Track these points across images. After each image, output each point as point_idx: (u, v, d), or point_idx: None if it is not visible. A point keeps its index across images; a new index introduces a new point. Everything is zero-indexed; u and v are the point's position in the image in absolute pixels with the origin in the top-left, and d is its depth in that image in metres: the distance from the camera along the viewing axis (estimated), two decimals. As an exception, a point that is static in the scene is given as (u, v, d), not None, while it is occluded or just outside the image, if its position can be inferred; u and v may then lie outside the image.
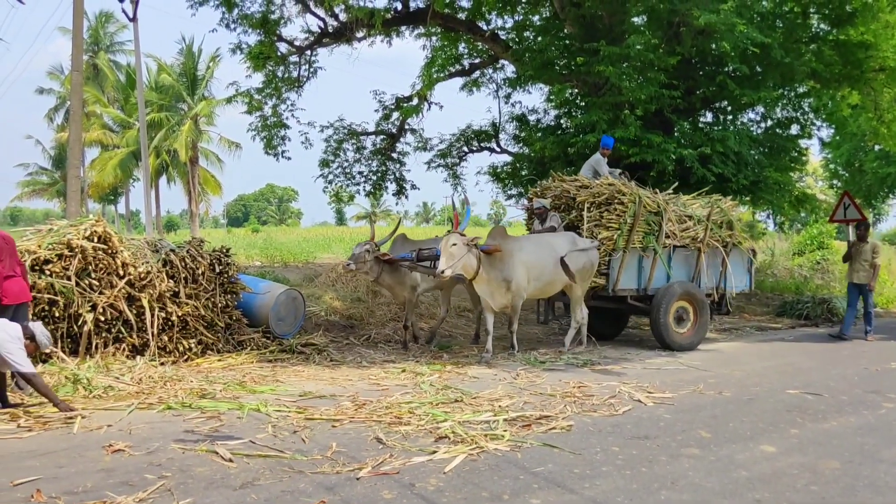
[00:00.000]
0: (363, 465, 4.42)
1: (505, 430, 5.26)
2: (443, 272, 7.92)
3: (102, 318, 7.52)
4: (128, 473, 4.28)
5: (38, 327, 5.87)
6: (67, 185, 14.60)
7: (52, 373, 6.73)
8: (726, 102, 14.90)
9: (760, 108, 15.53)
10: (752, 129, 15.57)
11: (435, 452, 4.72)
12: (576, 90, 14.84)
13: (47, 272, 7.31)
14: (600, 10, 13.73)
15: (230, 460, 4.53)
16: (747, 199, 15.19)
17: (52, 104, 41.91)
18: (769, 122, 15.97)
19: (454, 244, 8.06)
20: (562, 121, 15.92)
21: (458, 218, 8.74)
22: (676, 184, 11.57)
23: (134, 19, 21.41)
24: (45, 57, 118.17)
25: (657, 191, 10.11)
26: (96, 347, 7.47)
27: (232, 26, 15.83)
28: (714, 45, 13.11)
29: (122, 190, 41.69)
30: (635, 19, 14.39)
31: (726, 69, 13.66)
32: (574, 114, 14.89)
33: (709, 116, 15.64)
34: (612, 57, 12.43)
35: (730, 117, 15.43)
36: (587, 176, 10.40)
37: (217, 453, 4.65)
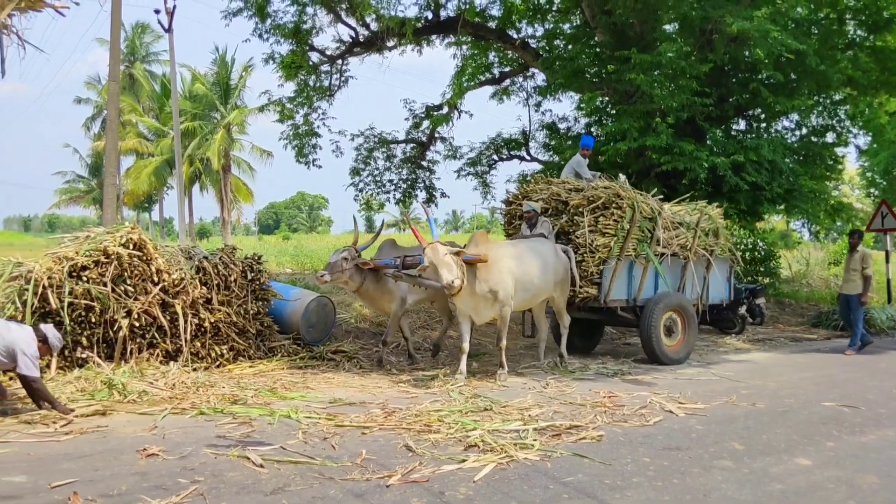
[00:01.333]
0: (393, 473, 4.43)
1: (535, 440, 5.23)
2: (452, 283, 7.27)
3: (137, 324, 7.63)
4: (161, 477, 4.33)
5: (50, 329, 5.95)
6: (104, 192, 14.89)
7: (87, 377, 6.86)
8: (760, 110, 14.75)
9: (795, 116, 15.37)
10: (786, 137, 15.39)
11: (464, 461, 4.71)
12: (606, 98, 14.81)
13: (84, 278, 7.44)
14: (631, 18, 13.70)
15: (261, 466, 4.57)
16: (781, 207, 15.00)
17: (89, 113, 43.00)
18: (804, 130, 15.78)
19: (447, 254, 7.35)
20: (592, 129, 15.87)
21: (418, 232, 8.06)
22: (656, 189, 11.23)
23: (169, 30, 21.87)
24: (83, 67, 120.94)
25: (647, 194, 9.70)
26: (131, 353, 7.58)
27: (265, 36, 16.10)
28: (747, 53, 13.02)
29: (157, 198, 42.42)
30: (667, 27, 14.34)
31: (760, 76, 13.53)
32: (605, 122, 14.85)
33: (742, 124, 15.49)
34: (644, 65, 12.38)
35: (763, 125, 15.27)
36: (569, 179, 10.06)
37: (248, 459, 4.69)
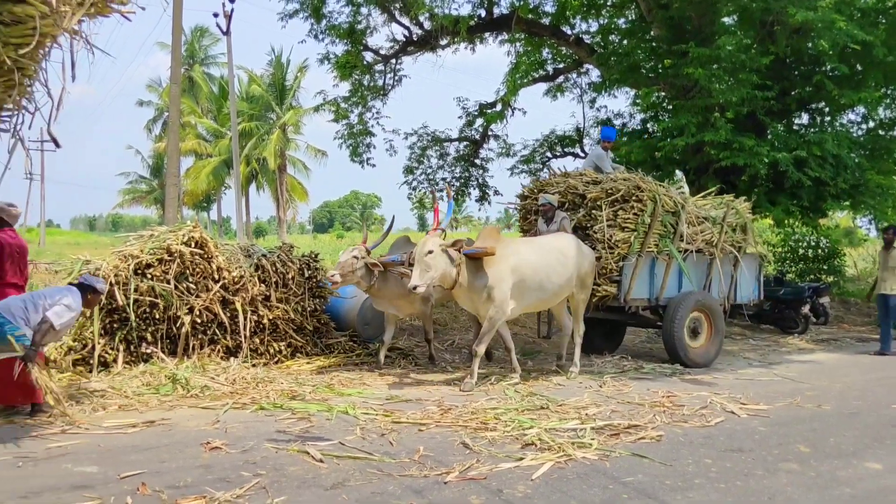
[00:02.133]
0: (451, 470, 4.44)
1: (593, 439, 5.19)
2: (415, 287, 6.74)
3: (199, 321, 7.82)
4: (225, 470, 4.43)
5: (92, 279, 5.97)
6: (166, 192, 15.29)
7: (152, 372, 7.07)
8: (824, 103, 14.28)
9: (861, 109, 14.80)
10: (852, 130, 14.86)
11: (522, 459, 4.70)
12: (663, 93, 14.55)
13: (149, 276, 7.66)
14: (689, 11, 13.40)
15: (321, 461, 4.63)
16: (846, 203, 14.52)
17: (150, 115, 44.18)
18: (871, 124, 15.20)
19: (430, 252, 6.84)
20: (648, 125, 15.61)
21: (439, 215, 7.60)
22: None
23: (227, 33, 22.33)
24: (145, 70, 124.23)
25: (669, 187, 9.29)
26: (193, 348, 7.77)
27: (320, 37, 16.26)
28: (811, 44, 12.61)
29: (215, 197, 43.38)
30: (726, 19, 13.99)
31: (824, 69, 13.09)
32: (661, 117, 14.59)
33: (805, 118, 15.02)
34: (702, 58, 12.11)
35: (827, 119, 14.77)
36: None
37: (308, 453, 4.76)
